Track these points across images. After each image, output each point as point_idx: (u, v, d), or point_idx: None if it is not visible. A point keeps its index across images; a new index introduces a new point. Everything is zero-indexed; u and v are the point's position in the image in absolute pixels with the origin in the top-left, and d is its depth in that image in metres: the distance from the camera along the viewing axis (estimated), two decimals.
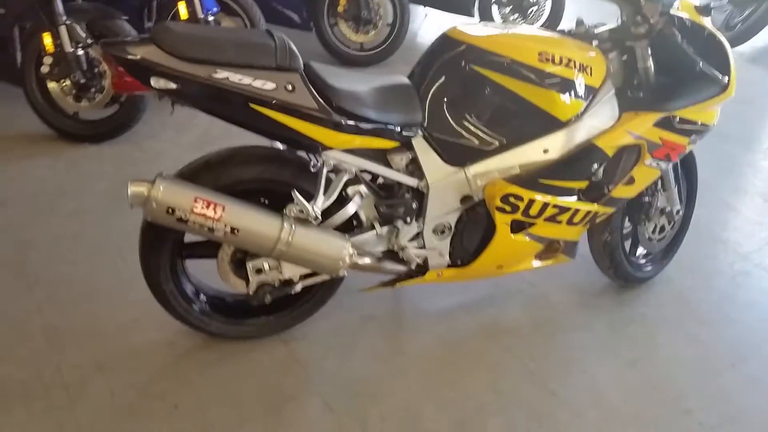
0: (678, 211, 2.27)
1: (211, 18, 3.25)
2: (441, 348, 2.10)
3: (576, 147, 1.85)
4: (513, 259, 2.04)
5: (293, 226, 1.68)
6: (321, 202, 1.73)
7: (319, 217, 1.73)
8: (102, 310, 2.13)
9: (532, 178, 1.85)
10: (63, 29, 2.74)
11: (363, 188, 1.84)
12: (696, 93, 1.91)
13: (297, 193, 1.69)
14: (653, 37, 1.87)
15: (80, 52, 2.80)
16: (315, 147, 1.67)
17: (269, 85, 1.56)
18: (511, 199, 1.85)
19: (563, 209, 1.92)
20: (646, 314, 2.29)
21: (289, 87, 1.58)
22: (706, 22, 1.90)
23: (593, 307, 2.32)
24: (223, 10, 3.36)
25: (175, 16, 3.24)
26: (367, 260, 1.85)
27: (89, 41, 2.79)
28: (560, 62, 1.78)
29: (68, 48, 2.76)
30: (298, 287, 1.90)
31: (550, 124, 1.82)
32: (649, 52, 1.89)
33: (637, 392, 1.98)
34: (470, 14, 4.46)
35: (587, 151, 1.86)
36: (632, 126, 1.87)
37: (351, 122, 1.66)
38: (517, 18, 4.47)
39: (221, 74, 1.53)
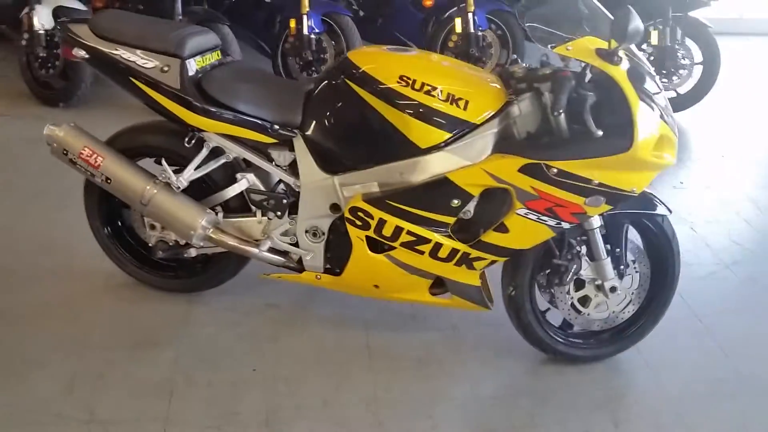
0: (613, 288, 2.03)
1: (313, 36, 3.73)
2: (312, 349, 2.21)
3: (431, 177, 1.84)
4: (385, 281, 2.06)
5: (156, 188, 1.99)
6: (187, 174, 2.02)
7: (181, 186, 2.02)
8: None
9: (382, 198, 1.89)
10: None
11: (251, 176, 2.06)
12: (581, 146, 1.75)
13: (165, 162, 2.00)
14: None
15: None
16: (183, 124, 1.96)
17: (149, 64, 1.92)
18: (360, 214, 1.91)
19: (422, 239, 1.91)
20: (554, 391, 2.08)
21: (165, 68, 1.92)
22: (615, 71, 1.72)
23: (497, 368, 2.18)
24: (327, 31, 3.82)
25: (288, 32, 3.80)
26: (228, 240, 2.07)
27: None
28: (420, 88, 1.80)
29: None
30: (192, 252, 2.20)
31: (407, 149, 1.84)
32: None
33: None
34: None
35: (440, 184, 1.84)
36: (492, 167, 1.79)
37: (216, 110, 1.93)
38: (663, 80, 4.11)
39: (118, 51, 1.94)
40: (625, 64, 1.73)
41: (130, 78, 1.94)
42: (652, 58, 4.07)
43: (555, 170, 1.76)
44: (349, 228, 1.95)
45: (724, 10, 4.50)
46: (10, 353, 2.10)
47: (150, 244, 2.23)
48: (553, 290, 2.07)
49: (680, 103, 4.15)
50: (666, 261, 2.10)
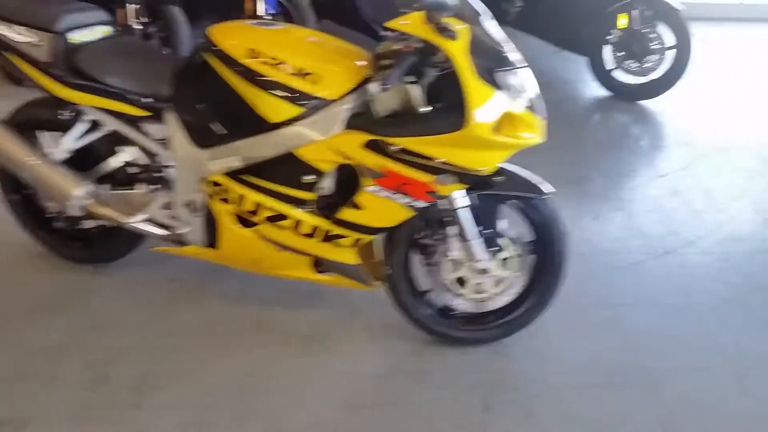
0: (484, 270, 2.03)
1: (268, 17, 3.80)
2: (202, 322, 2.28)
3: (283, 152, 1.88)
4: (260, 257, 2.11)
5: (35, 159, 2.09)
6: (64, 146, 2.12)
7: (56, 157, 2.12)
8: None
9: (238, 173, 1.94)
10: (130, 7, 3.58)
11: (133, 149, 2.14)
12: (419, 123, 1.76)
13: (42, 133, 2.10)
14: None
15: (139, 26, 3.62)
16: (55, 97, 2.05)
17: (23, 39, 2.01)
18: (221, 188, 1.97)
19: (280, 214, 1.95)
20: (432, 372, 2.10)
21: (38, 43, 2.01)
22: (449, 45, 1.71)
23: (382, 347, 2.21)
24: (282, 12, 3.88)
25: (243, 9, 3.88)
26: (104, 211, 2.17)
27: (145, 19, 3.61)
28: (268, 62, 1.83)
29: (131, 21, 3.60)
30: (89, 224, 2.29)
31: (259, 123, 1.87)
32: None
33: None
34: (580, 52, 4.21)
35: (289, 159, 1.88)
36: (338, 143, 1.82)
37: (84, 83, 2.02)
38: (632, 64, 4.03)
39: None
40: (465, 39, 1.72)
41: (4, 52, 2.05)
42: (618, 41, 4.00)
43: (397, 147, 1.78)
44: (213, 202, 2.01)
45: None
46: None
47: (49, 215, 2.34)
48: (428, 270, 2.09)
49: (651, 89, 4.08)
50: (550, 245, 2.09)
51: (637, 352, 2.20)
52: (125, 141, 2.17)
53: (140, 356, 2.12)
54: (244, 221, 2.03)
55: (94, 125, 2.15)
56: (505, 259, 2.09)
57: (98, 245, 2.43)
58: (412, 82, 1.77)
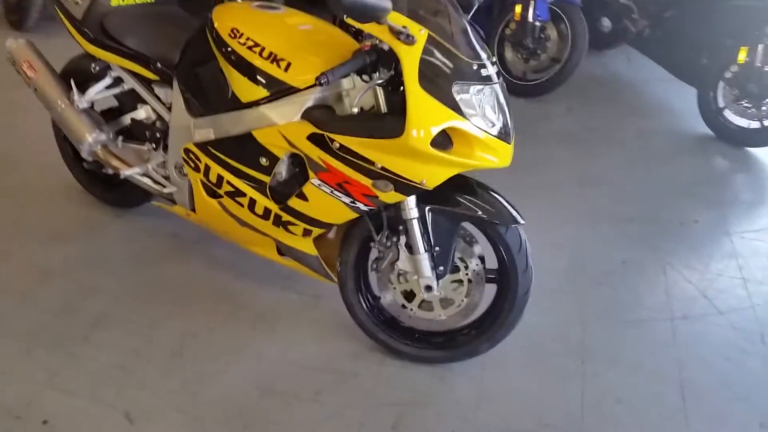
0: (429, 287, 1.96)
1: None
2: (177, 280, 2.45)
3: (245, 131, 1.94)
4: (226, 228, 2.22)
5: (64, 103, 2.35)
6: (88, 96, 2.37)
7: (81, 105, 2.37)
8: None
9: (206, 144, 2.03)
10: None
11: (147, 108, 2.33)
12: (361, 124, 1.74)
13: (73, 82, 2.34)
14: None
15: None
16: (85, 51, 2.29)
17: None
18: (192, 156, 2.09)
19: (239, 191, 2.03)
20: (359, 377, 2.09)
21: (79, 1, 2.24)
22: (402, 49, 1.64)
23: (325, 341, 2.23)
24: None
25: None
26: (108, 158, 2.39)
27: None
28: (245, 43, 1.89)
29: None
30: (109, 170, 2.53)
31: (232, 101, 1.94)
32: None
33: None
34: (693, 84, 3.79)
35: (247, 140, 1.94)
36: (286, 131, 1.84)
37: (104, 41, 2.23)
38: (747, 105, 3.56)
39: None
40: (420, 44, 1.65)
41: (56, 7, 2.32)
42: (734, 77, 3.56)
43: (337, 144, 1.77)
44: (186, 169, 2.13)
45: None
46: None
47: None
48: (377, 276, 2.06)
49: (763, 137, 3.56)
50: (511, 277, 1.97)
51: (589, 415, 2.00)
52: (142, 99, 2.37)
53: (110, 297, 2.33)
54: (214, 192, 2.14)
55: (118, 81, 2.38)
56: (456, 281, 2.02)
57: (118, 190, 2.68)
58: (367, 82, 1.75)
